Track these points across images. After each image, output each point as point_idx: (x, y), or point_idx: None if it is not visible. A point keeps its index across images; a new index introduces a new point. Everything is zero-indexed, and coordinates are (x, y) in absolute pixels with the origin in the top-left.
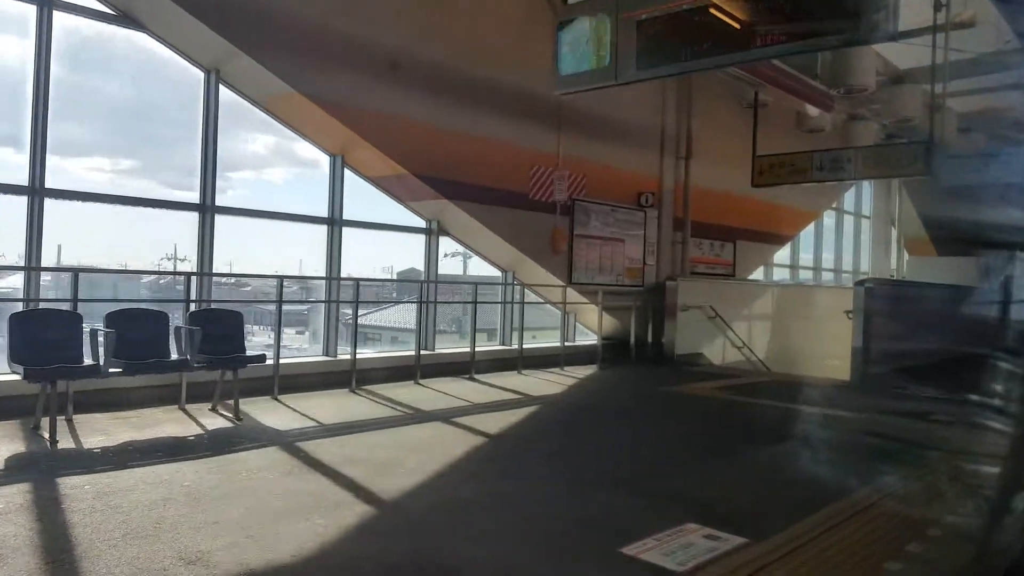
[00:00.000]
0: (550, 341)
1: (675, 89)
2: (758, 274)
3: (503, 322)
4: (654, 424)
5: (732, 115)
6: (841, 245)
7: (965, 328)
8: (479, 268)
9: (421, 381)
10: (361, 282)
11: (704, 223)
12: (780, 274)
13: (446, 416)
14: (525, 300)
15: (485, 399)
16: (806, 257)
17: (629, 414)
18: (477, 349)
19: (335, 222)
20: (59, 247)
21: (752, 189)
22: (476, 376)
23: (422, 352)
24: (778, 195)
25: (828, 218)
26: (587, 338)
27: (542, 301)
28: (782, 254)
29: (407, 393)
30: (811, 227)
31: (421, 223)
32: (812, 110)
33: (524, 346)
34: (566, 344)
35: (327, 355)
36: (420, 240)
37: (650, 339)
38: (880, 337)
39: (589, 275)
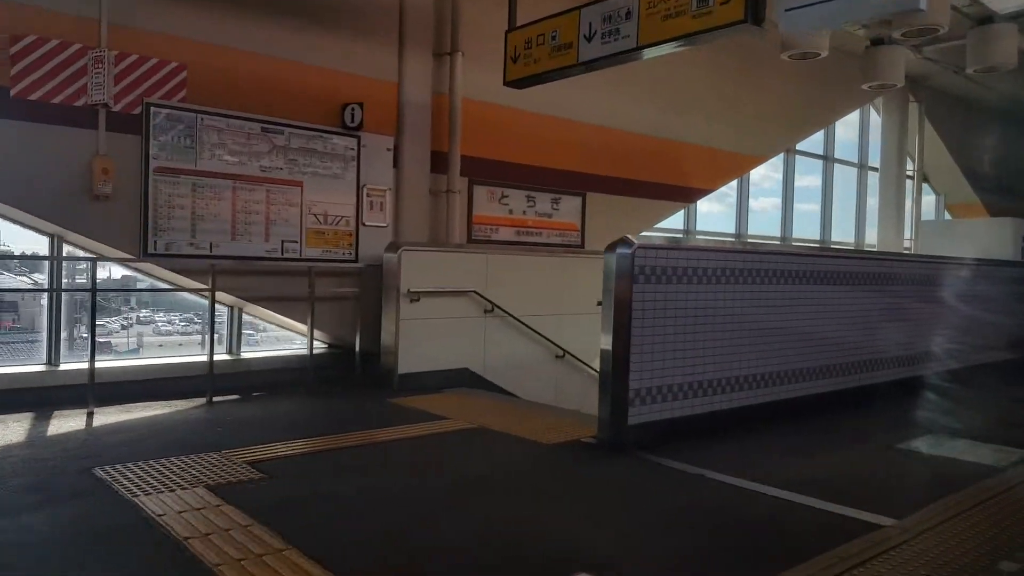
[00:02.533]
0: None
1: None
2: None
3: (50, 326)
4: None
5: None
6: (828, 209)
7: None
8: None
9: None
10: None
11: (510, 164)
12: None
13: None
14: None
15: None
16: (763, 225)
17: None
18: None
19: None
20: None
21: (619, 117)
22: None
23: None
24: (684, 128)
25: (809, 171)
26: (295, 345)
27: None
28: (717, 222)
29: None
30: (774, 182)
31: None
32: None
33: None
34: (241, 357)
35: None
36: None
37: (359, 348)
38: (662, 353)
39: (201, 241)
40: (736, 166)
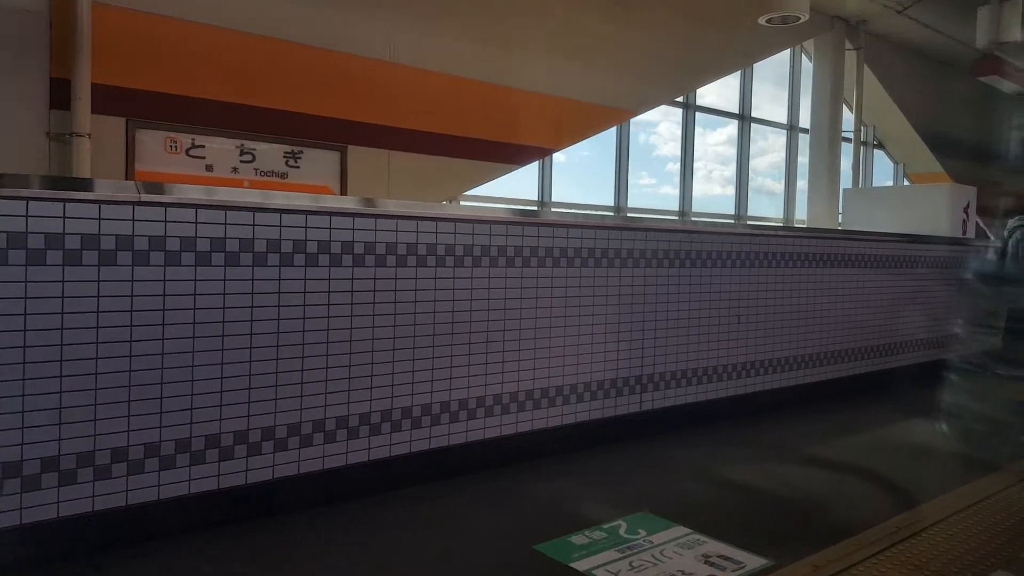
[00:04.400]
0: None
1: None
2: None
3: None
4: None
5: None
6: (744, 178)
7: None
8: None
9: None
10: None
11: (209, 102)
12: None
13: None
14: None
15: None
16: (656, 197)
17: None
18: None
19: None
20: None
21: (413, 51)
22: None
23: None
24: (516, 70)
25: (715, 137)
26: None
27: None
28: (585, 191)
29: None
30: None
31: None
32: None
33: None
34: None
35: None
36: None
37: None
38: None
39: None
40: (594, 120)
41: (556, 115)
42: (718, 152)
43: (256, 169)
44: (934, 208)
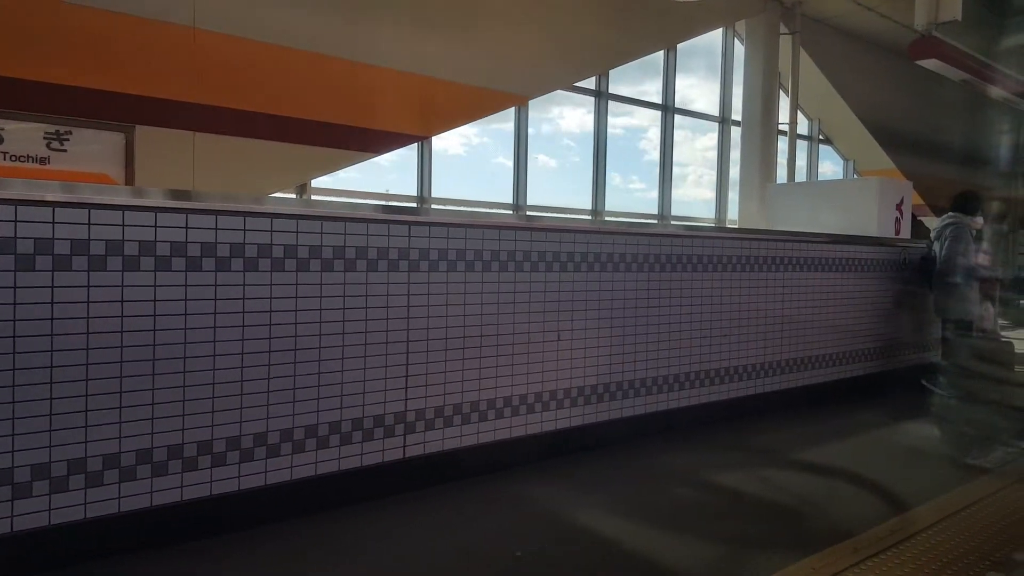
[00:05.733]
0: None
1: None
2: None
3: None
4: None
5: None
6: (668, 173)
7: None
8: None
9: None
10: None
11: None
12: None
13: None
14: None
15: None
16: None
17: None
18: None
19: None
20: None
21: (234, 17)
22: None
23: None
24: (375, 42)
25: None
26: None
27: None
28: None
29: None
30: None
31: None
32: None
33: None
34: None
35: None
36: None
37: None
38: None
39: None
40: (474, 105)
41: (424, 97)
42: (707, 157)
43: (5, 153)
44: (863, 205)
